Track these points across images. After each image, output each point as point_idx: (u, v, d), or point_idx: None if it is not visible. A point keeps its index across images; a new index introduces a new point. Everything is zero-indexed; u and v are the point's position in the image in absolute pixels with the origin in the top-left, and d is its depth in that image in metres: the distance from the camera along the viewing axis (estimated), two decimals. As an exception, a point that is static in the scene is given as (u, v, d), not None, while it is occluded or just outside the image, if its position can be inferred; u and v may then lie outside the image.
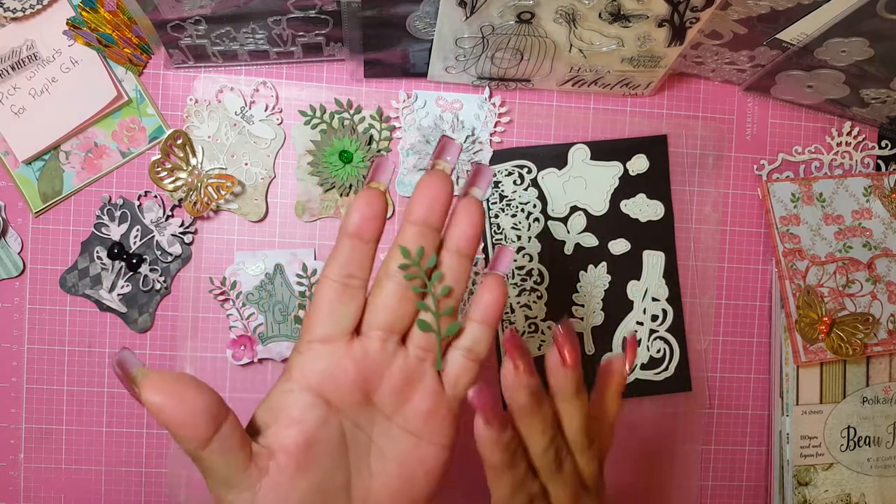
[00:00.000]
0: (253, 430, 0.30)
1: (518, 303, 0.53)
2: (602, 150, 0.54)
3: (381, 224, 0.30)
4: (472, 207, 0.30)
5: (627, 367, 0.34)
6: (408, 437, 0.31)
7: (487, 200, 0.53)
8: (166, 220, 0.51)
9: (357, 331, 0.30)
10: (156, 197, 0.51)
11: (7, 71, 0.50)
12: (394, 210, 0.53)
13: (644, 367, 0.54)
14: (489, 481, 0.31)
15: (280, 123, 0.52)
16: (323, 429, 0.29)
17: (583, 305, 0.54)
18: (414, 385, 0.31)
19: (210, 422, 0.27)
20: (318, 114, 0.52)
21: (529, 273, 0.53)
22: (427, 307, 0.30)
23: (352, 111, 0.52)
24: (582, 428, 0.32)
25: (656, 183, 0.54)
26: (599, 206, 0.54)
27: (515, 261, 0.53)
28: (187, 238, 0.52)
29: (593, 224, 0.54)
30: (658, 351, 0.55)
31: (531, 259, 0.53)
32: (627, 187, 0.54)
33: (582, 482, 0.33)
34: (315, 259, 0.52)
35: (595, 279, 0.54)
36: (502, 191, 0.53)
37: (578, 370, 0.32)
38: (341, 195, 0.52)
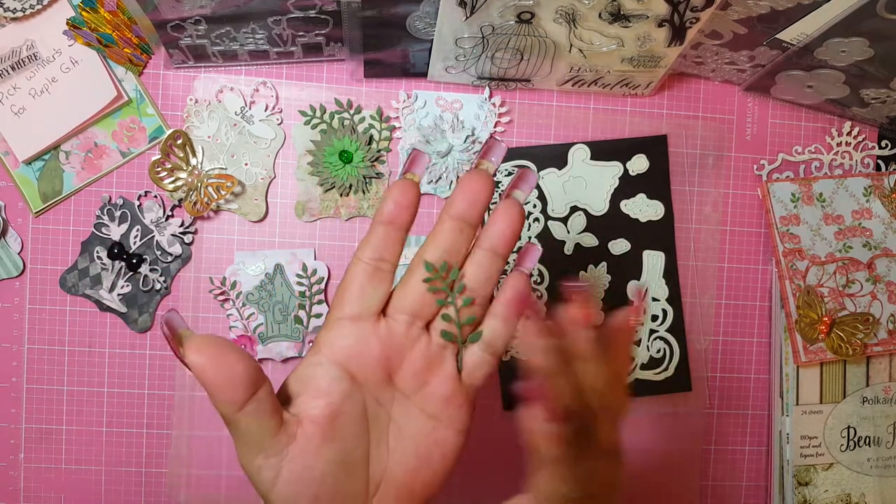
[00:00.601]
0: (283, 399, 0.31)
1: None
2: (602, 150, 0.54)
3: (414, 213, 0.31)
4: (512, 209, 0.32)
5: (638, 319, 0.34)
6: (426, 418, 0.32)
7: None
8: (166, 220, 0.51)
9: (384, 313, 0.32)
10: (156, 197, 0.51)
11: (7, 71, 0.50)
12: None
13: (644, 367, 0.54)
14: (539, 475, 0.31)
15: (280, 123, 0.52)
16: (347, 402, 0.31)
17: (583, 305, 0.54)
18: (434, 370, 0.32)
19: (248, 385, 0.28)
20: (318, 114, 0.52)
21: (529, 273, 0.53)
22: (450, 318, 0.31)
23: (352, 111, 0.52)
24: (599, 389, 0.32)
25: (656, 183, 0.54)
26: (599, 206, 0.54)
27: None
28: (187, 238, 0.52)
29: (593, 224, 0.54)
30: (658, 351, 0.54)
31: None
32: (627, 187, 0.54)
33: (603, 448, 0.33)
34: (315, 259, 0.52)
35: (595, 279, 0.54)
36: (502, 191, 0.53)
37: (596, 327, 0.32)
38: (341, 195, 0.52)
